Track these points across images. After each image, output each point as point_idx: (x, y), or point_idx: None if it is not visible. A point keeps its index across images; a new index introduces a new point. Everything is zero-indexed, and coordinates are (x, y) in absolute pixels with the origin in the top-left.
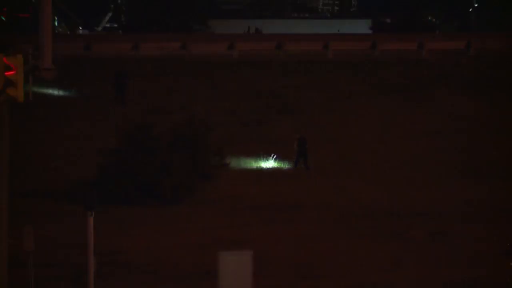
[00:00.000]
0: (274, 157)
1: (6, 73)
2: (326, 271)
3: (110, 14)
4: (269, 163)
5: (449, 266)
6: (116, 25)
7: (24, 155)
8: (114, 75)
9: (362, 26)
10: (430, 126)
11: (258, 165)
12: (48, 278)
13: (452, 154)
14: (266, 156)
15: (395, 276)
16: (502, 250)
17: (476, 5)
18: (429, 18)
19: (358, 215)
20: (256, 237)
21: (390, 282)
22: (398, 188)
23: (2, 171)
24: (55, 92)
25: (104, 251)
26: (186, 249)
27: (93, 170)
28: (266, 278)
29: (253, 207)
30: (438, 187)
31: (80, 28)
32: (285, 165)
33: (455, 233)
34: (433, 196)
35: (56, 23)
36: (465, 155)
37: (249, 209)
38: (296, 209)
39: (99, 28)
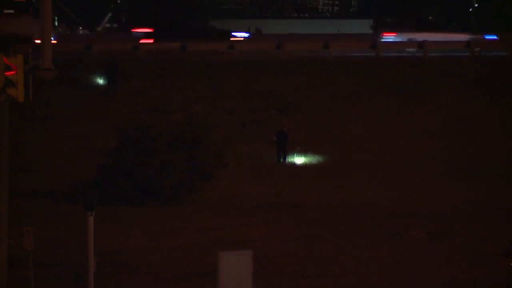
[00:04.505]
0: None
1: (6, 73)
2: (326, 271)
3: (110, 14)
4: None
5: (449, 266)
6: (116, 25)
7: (24, 155)
8: (106, 64)
9: (362, 26)
10: (430, 126)
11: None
12: (48, 278)
13: (452, 154)
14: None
15: (396, 276)
16: (502, 250)
17: (476, 5)
18: (429, 18)
19: (358, 215)
20: (256, 237)
21: (390, 282)
22: (398, 188)
23: (2, 171)
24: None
25: (104, 251)
26: (186, 249)
27: (93, 170)
28: (266, 278)
29: (253, 207)
30: (438, 187)
31: (80, 28)
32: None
33: (455, 233)
34: (433, 196)
35: (56, 23)
36: (465, 155)
37: (249, 209)
38: (296, 209)
39: (99, 28)
